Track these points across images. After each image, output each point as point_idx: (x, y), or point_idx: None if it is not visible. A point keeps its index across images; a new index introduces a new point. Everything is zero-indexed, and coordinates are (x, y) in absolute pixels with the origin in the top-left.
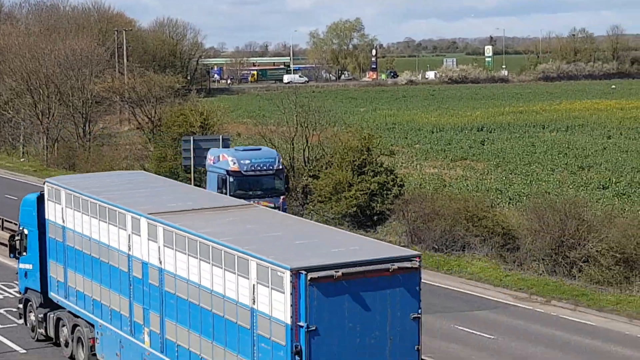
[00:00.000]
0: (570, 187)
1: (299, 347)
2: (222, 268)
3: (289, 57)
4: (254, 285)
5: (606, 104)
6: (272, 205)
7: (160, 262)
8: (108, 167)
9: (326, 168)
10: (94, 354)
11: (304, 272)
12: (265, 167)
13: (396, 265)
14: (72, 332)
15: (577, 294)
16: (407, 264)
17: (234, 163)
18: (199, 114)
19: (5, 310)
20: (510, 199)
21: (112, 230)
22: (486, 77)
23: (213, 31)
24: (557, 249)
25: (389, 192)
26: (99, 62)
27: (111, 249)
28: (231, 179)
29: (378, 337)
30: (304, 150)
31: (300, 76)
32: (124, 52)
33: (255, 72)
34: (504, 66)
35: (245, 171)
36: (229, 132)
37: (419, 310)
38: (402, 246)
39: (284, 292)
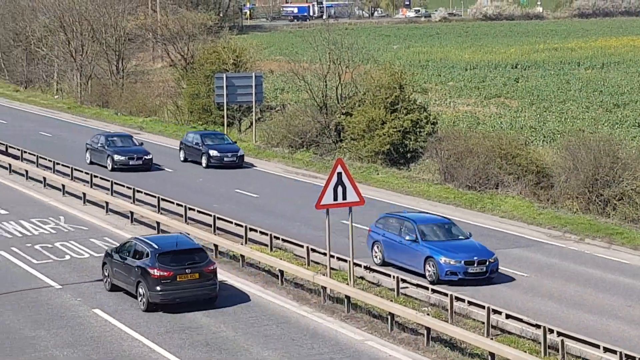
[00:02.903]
0: (605, 125)
1: None
2: None
3: None
4: None
5: None
6: None
7: None
8: (141, 104)
9: (359, 106)
10: None
11: None
12: None
13: None
14: None
15: (612, 232)
16: None
17: None
18: (231, 51)
19: (40, 247)
20: (544, 137)
21: None
22: (521, 14)
23: None
24: (591, 187)
25: (422, 130)
26: None
27: None
28: None
29: None
30: (336, 88)
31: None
32: None
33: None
34: (538, 2)
35: None
36: (261, 70)
37: None
38: (435, 184)
39: None
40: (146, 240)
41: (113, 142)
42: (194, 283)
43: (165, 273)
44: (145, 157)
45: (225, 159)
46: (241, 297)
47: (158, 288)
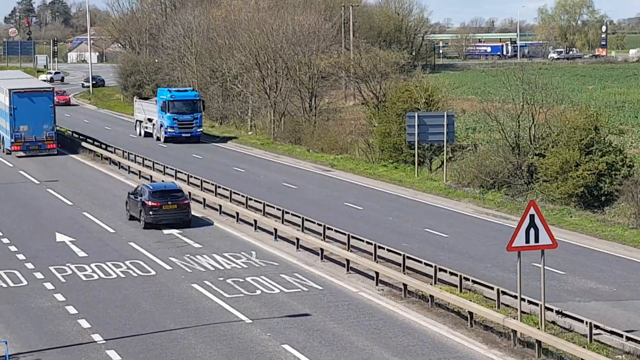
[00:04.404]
0: None
1: (13, 115)
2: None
3: (515, 33)
4: (4, 95)
5: None
6: None
7: None
8: (332, 142)
9: (552, 147)
10: None
11: (11, 89)
12: None
13: (42, 88)
14: None
15: None
16: (47, 88)
17: None
18: (423, 90)
19: (232, 281)
20: None
21: None
22: None
23: (439, 7)
24: None
25: (617, 173)
26: (325, 37)
27: None
28: None
29: (40, 112)
30: (529, 128)
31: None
32: (350, 28)
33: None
34: None
35: None
36: (453, 109)
37: (52, 104)
38: (630, 229)
39: (7, 96)
40: (147, 185)
41: None
42: (174, 211)
43: (155, 204)
44: None
45: None
46: (432, 339)
47: (151, 213)
